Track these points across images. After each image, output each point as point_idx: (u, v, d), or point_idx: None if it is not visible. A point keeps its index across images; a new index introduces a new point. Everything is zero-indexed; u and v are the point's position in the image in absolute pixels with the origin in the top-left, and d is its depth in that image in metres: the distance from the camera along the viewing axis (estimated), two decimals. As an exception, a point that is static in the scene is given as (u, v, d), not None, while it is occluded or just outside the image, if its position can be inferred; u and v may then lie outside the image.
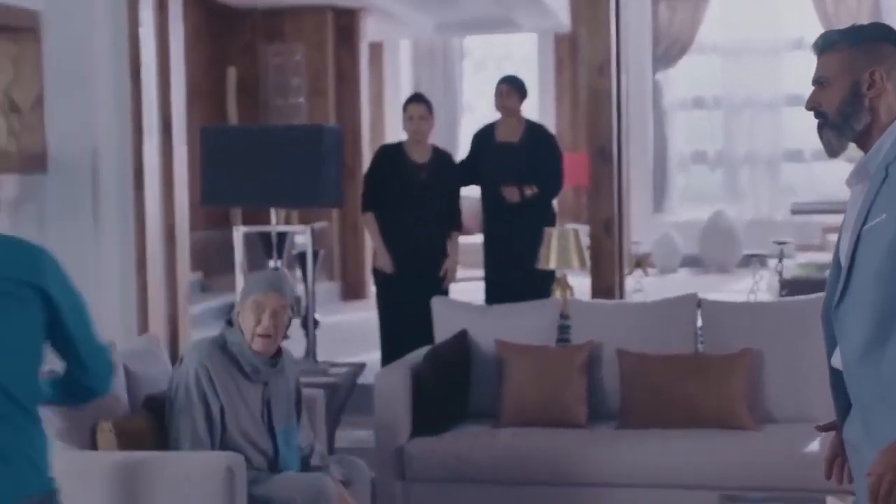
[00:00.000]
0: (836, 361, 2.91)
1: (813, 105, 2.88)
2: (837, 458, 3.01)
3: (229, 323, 4.06)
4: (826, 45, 2.87)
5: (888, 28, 2.86)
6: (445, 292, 6.38)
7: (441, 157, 6.54)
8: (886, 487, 2.64)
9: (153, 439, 3.94)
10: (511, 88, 6.87)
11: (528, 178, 6.73)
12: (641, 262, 7.66)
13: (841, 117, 2.82)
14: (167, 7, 6.39)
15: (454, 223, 6.52)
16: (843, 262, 2.84)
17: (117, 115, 6.08)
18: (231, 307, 4.26)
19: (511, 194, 6.67)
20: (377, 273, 6.49)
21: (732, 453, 4.77)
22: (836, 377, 2.92)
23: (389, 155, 6.54)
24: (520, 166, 6.71)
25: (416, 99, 6.55)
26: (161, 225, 6.30)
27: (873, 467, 2.67)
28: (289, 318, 4.10)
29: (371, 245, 10.44)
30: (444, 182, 6.45)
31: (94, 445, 3.84)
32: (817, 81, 2.87)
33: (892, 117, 2.79)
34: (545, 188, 6.81)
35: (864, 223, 2.77)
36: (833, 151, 2.89)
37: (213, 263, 10.27)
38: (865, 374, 2.77)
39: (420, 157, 6.45)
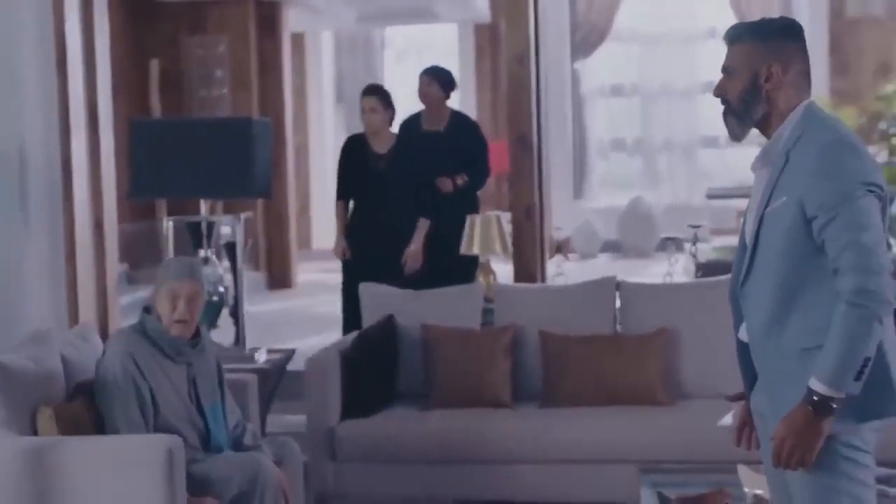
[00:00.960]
0: (743, 335, 3.11)
1: (719, 92, 3.08)
2: (746, 426, 3.20)
3: (147, 310, 4.19)
4: (734, 37, 3.05)
5: (791, 24, 3.04)
6: (412, 280, 6.44)
7: (403, 146, 6.64)
8: (787, 451, 2.84)
9: (91, 424, 4.04)
10: (431, 79, 7.03)
11: (454, 167, 6.91)
12: (562, 248, 7.84)
13: (741, 105, 3.02)
14: (92, 1, 6.44)
15: (421, 210, 6.60)
16: (749, 242, 3.04)
17: (44, 108, 6.12)
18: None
19: (444, 185, 6.84)
20: (344, 258, 6.69)
21: (650, 428, 4.97)
22: (743, 350, 3.12)
23: (353, 145, 6.70)
24: (446, 155, 6.87)
25: (368, 91, 6.67)
26: (89, 217, 6.36)
27: (776, 432, 2.87)
28: (203, 301, 4.26)
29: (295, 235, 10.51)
30: (405, 171, 6.55)
31: (34, 431, 3.92)
32: (724, 70, 3.06)
33: (790, 107, 2.98)
34: (474, 176, 6.99)
35: (766, 206, 2.97)
36: (735, 136, 3.10)
37: (139, 255, 10.30)
38: (769, 346, 2.97)
39: (380, 147, 6.59)
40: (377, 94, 6.58)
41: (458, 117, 7.15)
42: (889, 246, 7.17)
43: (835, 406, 2.79)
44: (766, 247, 2.97)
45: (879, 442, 3.00)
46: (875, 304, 2.76)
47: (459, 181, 6.89)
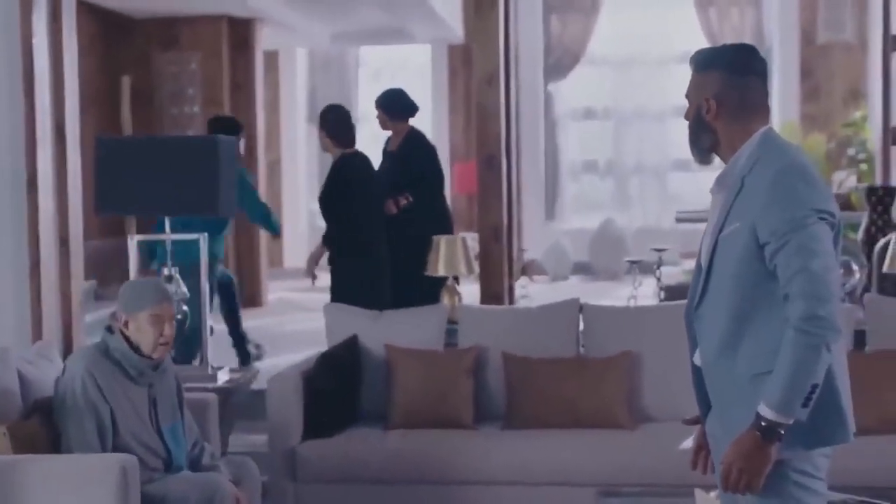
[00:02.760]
0: (698, 359, 3.12)
1: (685, 117, 3.11)
2: (702, 450, 3.21)
3: (109, 330, 4.18)
4: (692, 65, 3.10)
5: (738, 54, 3.05)
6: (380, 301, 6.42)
7: (335, 167, 6.66)
8: (735, 474, 2.84)
9: (47, 443, 4.01)
10: (377, 105, 7.19)
11: (402, 187, 6.94)
12: (527, 269, 7.84)
13: (693, 134, 3.08)
14: (61, 16, 6.42)
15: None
16: (703, 265, 3.05)
17: (10, 123, 6.09)
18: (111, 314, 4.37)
19: (388, 207, 6.87)
20: None
21: (611, 451, 4.97)
22: (698, 374, 3.13)
23: None
24: (394, 175, 6.91)
25: None
26: (55, 233, 6.33)
27: (724, 456, 2.88)
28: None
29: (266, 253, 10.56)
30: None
31: (-12, 449, 3.90)
32: (685, 97, 3.10)
33: (737, 137, 3.00)
34: (420, 195, 6.99)
35: (721, 230, 2.99)
36: (698, 160, 3.14)
37: (107, 272, 10.26)
38: (722, 370, 2.98)
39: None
40: (319, 119, 6.68)
41: (410, 138, 7.18)
42: (852, 271, 7.16)
43: (782, 432, 2.80)
44: (719, 271, 2.98)
45: (832, 466, 3.01)
46: (823, 331, 2.77)
47: (403, 201, 6.90)
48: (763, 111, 3.03)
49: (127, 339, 4.14)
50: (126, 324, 4.14)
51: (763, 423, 2.80)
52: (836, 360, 2.87)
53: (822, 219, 2.84)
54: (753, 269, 2.90)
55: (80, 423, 3.98)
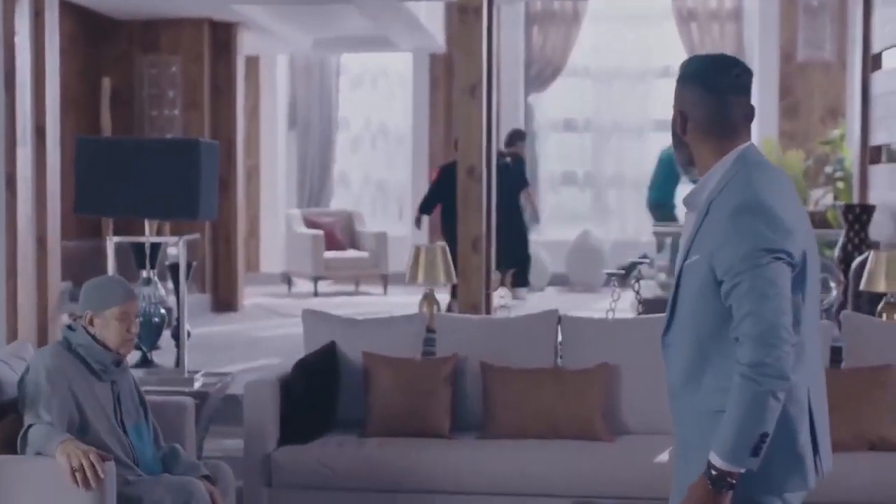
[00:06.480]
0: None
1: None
2: None
3: (69, 328, 4.17)
4: (678, 73, 2.97)
5: (707, 69, 2.89)
6: None
7: None
8: None
9: (23, 444, 3.98)
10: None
11: None
12: (505, 280, 7.87)
13: (673, 146, 2.97)
14: (43, 16, 6.40)
15: None
16: (672, 290, 2.94)
17: (-11, 122, 6.08)
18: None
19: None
20: None
21: (588, 463, 4.97)
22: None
23: None
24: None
25: None
26: (32, 233, 6.31)
27: (682, 501, 2.76)
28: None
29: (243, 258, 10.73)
30: None
31: (-35, 449, 3.87)
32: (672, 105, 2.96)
33: (705, 155, 2.87)
34: None
35: (686, 257, 2.88)
36: (682, 173, 3.07)
37: (84, 273, 10.19)
38: (686, 402, 2.88)
39: None
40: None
41: None
42: (829, 288, 7.09)
43: (733, 481, 2.69)
44: (684, 299, 2.88)
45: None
46: (770, 380, 2.64)
47: None
48: (740, 129, 2.87)
49: (91, 335, 4.13)
50: (91, 321, 4.14)
51: (713, 472, 2.70)
52: (794, 399, 2.74)
53: (778, 258, 2.70)
54: (713, 303, 2.77)
55: (46, 408, 3.92)
